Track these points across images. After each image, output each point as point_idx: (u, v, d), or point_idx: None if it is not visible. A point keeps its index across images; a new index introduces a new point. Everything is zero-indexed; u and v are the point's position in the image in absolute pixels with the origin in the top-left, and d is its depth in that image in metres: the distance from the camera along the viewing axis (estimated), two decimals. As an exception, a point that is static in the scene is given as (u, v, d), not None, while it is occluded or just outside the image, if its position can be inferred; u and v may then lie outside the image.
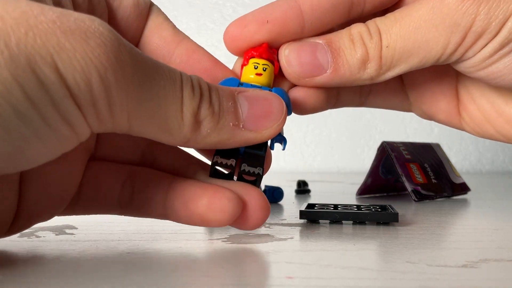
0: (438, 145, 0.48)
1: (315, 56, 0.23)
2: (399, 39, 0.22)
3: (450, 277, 0.16)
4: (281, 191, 0.38)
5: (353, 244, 0.22)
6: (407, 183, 0.39)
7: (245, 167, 0.21)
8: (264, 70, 0.22)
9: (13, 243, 0.22)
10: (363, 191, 0.43)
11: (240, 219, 0.20)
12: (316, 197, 0.43)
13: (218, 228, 0.26)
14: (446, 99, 0.26)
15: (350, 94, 0.27)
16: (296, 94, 0.24)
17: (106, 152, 0.22)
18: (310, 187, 0.47)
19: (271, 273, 0.17)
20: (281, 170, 0.97)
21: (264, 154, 0.22)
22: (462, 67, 0.23)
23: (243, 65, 0.23)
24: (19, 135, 0.15)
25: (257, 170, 0.22)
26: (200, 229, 0.26)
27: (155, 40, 0.23)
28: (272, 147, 0.23)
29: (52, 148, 0.16)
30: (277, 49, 0.23)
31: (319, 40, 0.23)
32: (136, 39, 0.23)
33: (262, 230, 0.25)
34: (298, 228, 0.26)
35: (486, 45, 0.21)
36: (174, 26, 0.23)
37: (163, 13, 0.24)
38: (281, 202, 0.38)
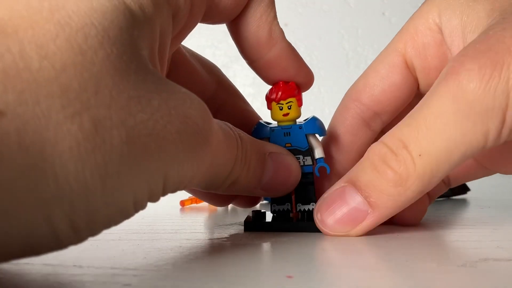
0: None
1: (347, 204, 0.21)
2: (431, 142, 0.19)
3: (449, 277, 0.16)
4: None
5: (352, 244, 0.22)
6: (406, 183, 0.39)
7: (275, 206, 0.25)
8: (289, 108, 0.24)
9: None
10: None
11: None
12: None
13: (219, 228, 0.26)
14: None
15: (436, 188, 0.26)
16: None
17: None
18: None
19: (271, 273, 0.17)
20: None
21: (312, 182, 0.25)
22: None
23: (268, 108, 0.25)
24: None
25: (285, 207, 0.25)
26: (201, 229, 0.26)
27: (250, 40, 0.23)
28: (317, 174, 0.24)
29: None
30: (293, 83, 0.24)
31: (343, 183, 0.22)
32: (232, 28, 0.23)
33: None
34: (298, 228, 0.26)
35: None
36: (272, 22, 0.22)
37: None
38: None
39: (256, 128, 0.25)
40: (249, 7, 0.22)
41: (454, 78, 0.19)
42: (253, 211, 0.25)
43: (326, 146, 0.26)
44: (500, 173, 0.27)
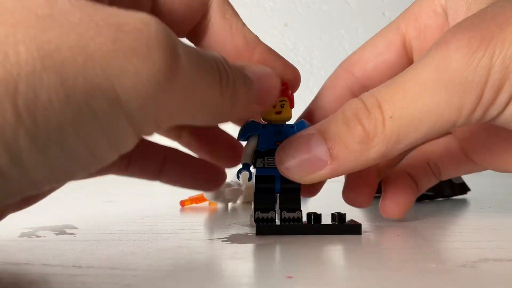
0: (437, 145, 0.48)
1: (310, 151, 0.21)
2: (405, 106, 0.19)
3: (449, 277, 0.16)
4: None
5: (352, 243, 0.22)
6: (406, 183, 0.39)
7: (285, 214, 0.24)
8: (282, 107, 0.24)
9: (13, 243, 0.22)
10: (363, 191, 0.43)
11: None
12: (316, 197, 0.43)
13: (219, 228, 0.26)
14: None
15: (425, 180, 0.27)
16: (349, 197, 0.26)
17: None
18: (310, 187, 0.47)
19: (271, 273, 0.17)
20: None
21: (299, 195, 0.24)
22: (498, 123, 0.20)
23: None
24: (68, 162, 0.14)
25: (296, 215, 0.24)
26: (201, 229, 0.26)
27: (229, 51, 0.22)
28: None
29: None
30: (287, 83, 0.24)
31: (313, 130, 0.22)
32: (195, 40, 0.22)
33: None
34: (298, 228, 0.26)
35: (511, 99, 0.18)
36: (243, 29, 0.22)
37: (229, 8, 0.22)
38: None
39: (246, 125, 0.24)
40: (213, 21, 0.22)
41: (442, 47, 0.19)
42: (256, 216, 0.24)
43: (312, 112, 0.26)
44: (490, 169, 0.27)
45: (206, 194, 0.34)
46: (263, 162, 0.24)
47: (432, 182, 0.28)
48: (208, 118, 0.18)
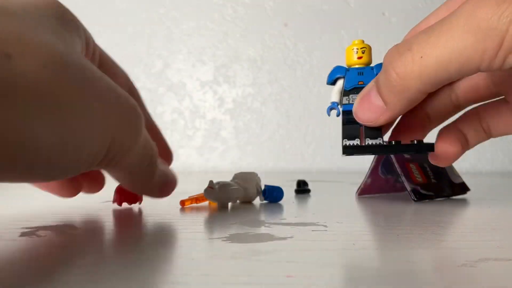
0: (437, 145, 0.48)
1: (370, 101, 0.25)
2: (435, 48, 0.22)
3: (449, 277, 0.16)
4: (281, 191, 0.39)
5: (352, 243, 0.22)
6: (406, 183, 0.39)
7: (368, 141, 0.27)
8: (363, 52, 0.28)
9: (14, 242, 0.22)
10: (362, 191, 0.43)
11: None
12: (316, 196, 0.43)
13: (219, 227, 0.26)
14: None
15: (475, 136, 0.29)
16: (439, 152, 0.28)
17: None
18: (310, 187, 0.47)
19: (271, 272, 0.17)
20: (281, 170, 0.97)
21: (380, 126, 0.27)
22: None
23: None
24: None
25: (377, 141, 0.27)
26: (201, 229, 0.26)
27: None
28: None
29: None
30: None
31: (373, 82, 0.25)
32: None
33: (262, 229, 0.25)
34: (298, 228, 0.26)
35: None
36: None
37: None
38: (281, 202, 0.38)
39: (333, 70, 0.28)
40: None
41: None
42: (344, 143, 0.27)
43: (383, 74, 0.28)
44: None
45: (206, 194, 0.34)
46: (348, 99, 0.28)
47: (481, 138, 0.30)
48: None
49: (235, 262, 0.19)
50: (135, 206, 0.34)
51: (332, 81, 0.28)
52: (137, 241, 0.22)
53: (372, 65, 0.28)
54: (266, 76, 1.03)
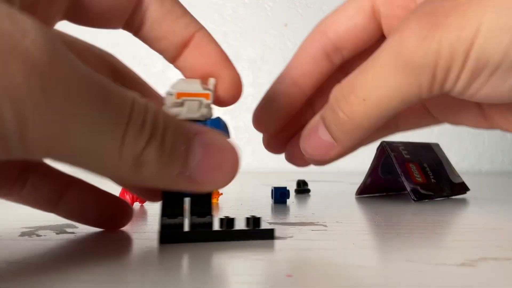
0: (437, 145, 0.48)
1: (318, 138, 0.25)
2: (374, 89, 0.22)
3: (449, 276, 0.16)
4: (287, 191, 0.39)
5: (352, 243, 0.22)
6: (406, 182, 0.39)
7: (195, 219, 0.22)
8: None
9: (14, 242, 0.22)
10: (362, 191, 0.43)
11: None
12: (316, 197, 0.44)
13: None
14: (469, 112, 0.26)
15: (382, 129, 0.28)
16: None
17: None
18: (310, 187, 0.47)
19: (270, 272, 0.17)
20: (281, 170, 0.97)
21: (210, 198, 0.22)
22: (453, 94, 0.22)
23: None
24: None
25: (207, 220, 0.22)
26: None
27: (169, 38, 0.23)
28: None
29: None
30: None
31: (319, 117, 0.25)
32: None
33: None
34: (298, 227, 0.26)
35: (459, 77, 0.20)
36: (184, 15, 0.24)
37: None
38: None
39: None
40: (150, 10, 0.22)
41: (399, 35, 0.21)
42: (162, 223, 0.22)
43: (289, 70, 0.27)
44: (447, 123, 0.28)
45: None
46: None
47: (391, 132, 0.30)
48: (95, 171, 0.16)
49: (234, 261, 0.19)
50: (146, 204, 0.34)
51: None
52: (136, 240, 0.22)
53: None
54: (266, 76, 1.03)
